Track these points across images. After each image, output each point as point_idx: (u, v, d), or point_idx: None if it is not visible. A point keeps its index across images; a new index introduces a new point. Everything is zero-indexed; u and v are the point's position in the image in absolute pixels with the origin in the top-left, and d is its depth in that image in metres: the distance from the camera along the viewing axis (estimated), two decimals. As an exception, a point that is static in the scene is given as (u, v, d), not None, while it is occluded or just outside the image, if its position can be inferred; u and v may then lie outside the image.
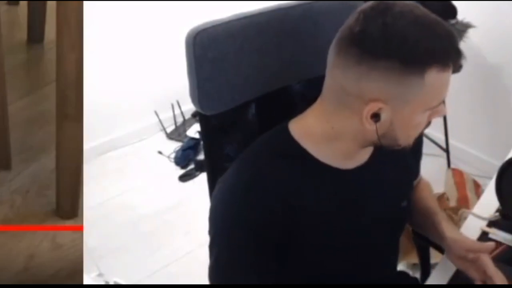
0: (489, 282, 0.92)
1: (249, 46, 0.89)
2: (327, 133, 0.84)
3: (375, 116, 0.77)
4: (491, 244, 0.94)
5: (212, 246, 0.86)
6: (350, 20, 0.76)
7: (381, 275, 1.04)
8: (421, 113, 0.78)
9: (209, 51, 0.85)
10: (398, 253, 1.10)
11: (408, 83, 0.73)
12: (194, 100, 0.90)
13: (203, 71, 0.86)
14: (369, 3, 0.75)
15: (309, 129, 0.86)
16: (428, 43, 0.72)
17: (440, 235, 0.99)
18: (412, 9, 0.73)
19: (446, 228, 0.99)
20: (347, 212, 0.89)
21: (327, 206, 0.86)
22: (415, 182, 1.12)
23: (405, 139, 0.83)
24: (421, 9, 0.74)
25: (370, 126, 0.78)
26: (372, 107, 0.76)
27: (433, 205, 1.08)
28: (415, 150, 1.05)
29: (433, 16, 0.74)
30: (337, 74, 0.78)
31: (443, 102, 0.81)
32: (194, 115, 3.01)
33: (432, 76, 0.73)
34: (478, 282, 0.94)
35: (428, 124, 0.83)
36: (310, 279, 0.92)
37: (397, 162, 0.95)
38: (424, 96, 0.75)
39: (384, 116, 0.77)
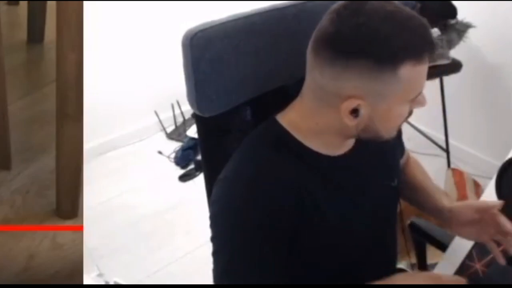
0: (509, 239, 0.93)
1: (245, 46, 0.89)
2: (312, 128, 0.86)
3: (355, 112, 0.79)
4: (499, 202, 0.95)
5: (221, 250, 0.81)
6: (324, 21, 0.77)
7: (382, 263, 1.05)
8: (400, 106, 0.81)
9: (206, 52, 0.85)
10: (396, 240, 1.10)
11: (383, 79, 0.75)
12: (191, 103, 0.89)
13: (200, 72, 0.86)
14: (341, 3, 0.77)
15: (296, 124, 0.87)
16: (400, 38, 0.73)
17: (442, 208, 1.03)
18: (384, 5, 0.75)
19: (448, 201, 1.04)
20: (349, 197, 0.91)
21: (330, 193, 0.88)
22: (403, 159, 1.15)
23: (387, 132, 0.85)
24: (393, 4, 0.76)
25: (350, 121, 0.80)
26: (350, 104, 0.77)
27: (428, 182, 1.13)
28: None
29: (406, 10, 0.76)
30: (315, 74, 0.80)
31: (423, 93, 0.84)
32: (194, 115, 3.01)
33: (407, 70, 0.74)
34: (491, 244, 0.96)
35: (410, 113, 0.85)
36: (316, 270, 0.93)
37: (381, 143, 0.93)
38: (401, 90, 0.77)
39: (363, 111, 0.79)
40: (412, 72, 0.75)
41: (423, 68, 0.77)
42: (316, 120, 0.85)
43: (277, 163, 0.84)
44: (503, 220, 0.93)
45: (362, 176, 0.93)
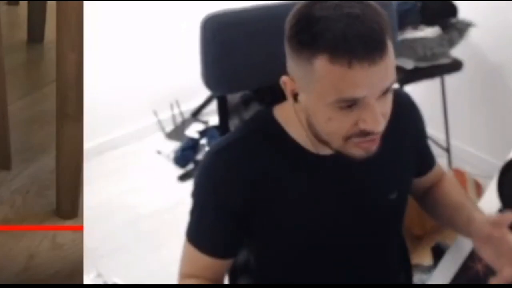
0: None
1: (260, 35, 0.92)
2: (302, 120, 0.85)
3: (295, 96, 0.79)
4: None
5: (191, 209, 0.93)
6: None
7: (370, 277, 1.01)
8: (326, 107, 0.74)
9: (217, 36, 0.90)
10: (393, 252, 1.07)
11: (303, 66, 0.73)
12: (203, 79, 0.95)
13: (210, 53, 0.91)
14: None
15: (289, 114, 0.87)
16: (325, 28, 0.69)
17: (468, 223, 0.91)
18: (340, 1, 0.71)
19: (477, 215, 0.92)
20: (323, 199, 0.89)
21: (302, 190, 0.87)
22: (430, 176, 1.08)
23: (328, 136, 0.79)
24: (354, 2, 0.71)
25: (294, 105, 0.81)
26: (290, 83, 0.78)
27: (458, 198, 1.03)
28: (419, 145, 1.03)
29: (366, 9, 0.70)
30: None
31: (373, 113, 0.73)
32: (194, 115, 3.01)
33: (322, 65, 0.70)
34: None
35: (361, 133, 0.75)
36: (280, 264, 0.95)
37: (388, 152, 0.87)
38: (318, 85, 0.72)
39: (300, 98, 0.78)
40: (328, 70, 0.70)
41: (344, 72, 0.69)
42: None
43: (249, 148, 0.86)
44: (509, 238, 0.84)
45: (348, 181, 0.89)
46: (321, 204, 0.89)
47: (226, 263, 0.94)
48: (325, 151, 0.85)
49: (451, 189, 1.07)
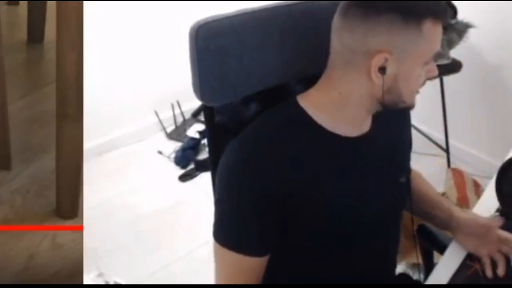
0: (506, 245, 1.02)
1: (251, 41, 0.91)
2: (334, 100, 0.88)
3: (382, 70, 0.82)
4: (500, 220, 1.07)
5: (217, 205, 0.91)
6: None
7: (381, 261, 1.06)
8: (420, 66, 0.85)
9: (211, 44, 0.87)
10: (398, 240, 1.10)
11: (409, 33, 0.81)
12: (196, 91, 0.92)
13: (204, 62, 0.88)
14: None
15: (317, 99, 0.89)
16: None
17: (450, 218, 1.09)
18: None
19: (456, 211, 1.10)
20: (350, 181, 0.91)
21: (337, 175, 0.89)
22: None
23: (408, 94, 0.88)
24: None
25: (378, 80, 0.83)
26: (379, 58, 0.81)
27: (434, 192, 1.19)
28: (406, 123, 1.10)
29: None
30: (344, 36, 0.83)
31: (435, 64, 0.89)
32: (194, 115, 3.01)
33: (428, 27, 0.81)
34: (486, 258, 1.02)
35: (423, 83, 0.89)
36: (307, 251, 0.95)
37: (394, 134, 0.99)
38: (422, 47, 0.83)
39: (389, 69, 0.82)
40: (432, 29, 0.82)
41: (440, 29, 0.84)
42: (340, 89, 0.87)
43: (280, 139, 0.86)
44: (503, 232, 1.04)
45: (370, 162, 0.94)
46: (348, 184, 0.91)
47: (265, 262, 0.93)
48: (352, 133, 0.91)
49: (421, 183, 1.19)
